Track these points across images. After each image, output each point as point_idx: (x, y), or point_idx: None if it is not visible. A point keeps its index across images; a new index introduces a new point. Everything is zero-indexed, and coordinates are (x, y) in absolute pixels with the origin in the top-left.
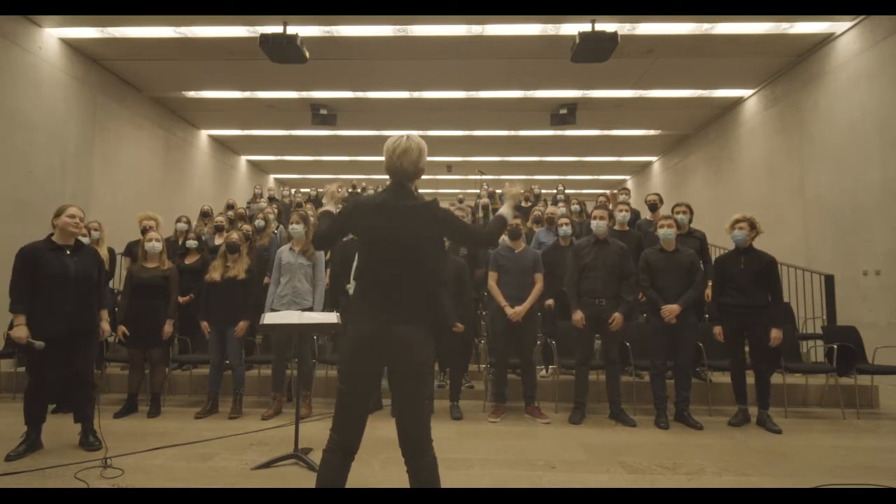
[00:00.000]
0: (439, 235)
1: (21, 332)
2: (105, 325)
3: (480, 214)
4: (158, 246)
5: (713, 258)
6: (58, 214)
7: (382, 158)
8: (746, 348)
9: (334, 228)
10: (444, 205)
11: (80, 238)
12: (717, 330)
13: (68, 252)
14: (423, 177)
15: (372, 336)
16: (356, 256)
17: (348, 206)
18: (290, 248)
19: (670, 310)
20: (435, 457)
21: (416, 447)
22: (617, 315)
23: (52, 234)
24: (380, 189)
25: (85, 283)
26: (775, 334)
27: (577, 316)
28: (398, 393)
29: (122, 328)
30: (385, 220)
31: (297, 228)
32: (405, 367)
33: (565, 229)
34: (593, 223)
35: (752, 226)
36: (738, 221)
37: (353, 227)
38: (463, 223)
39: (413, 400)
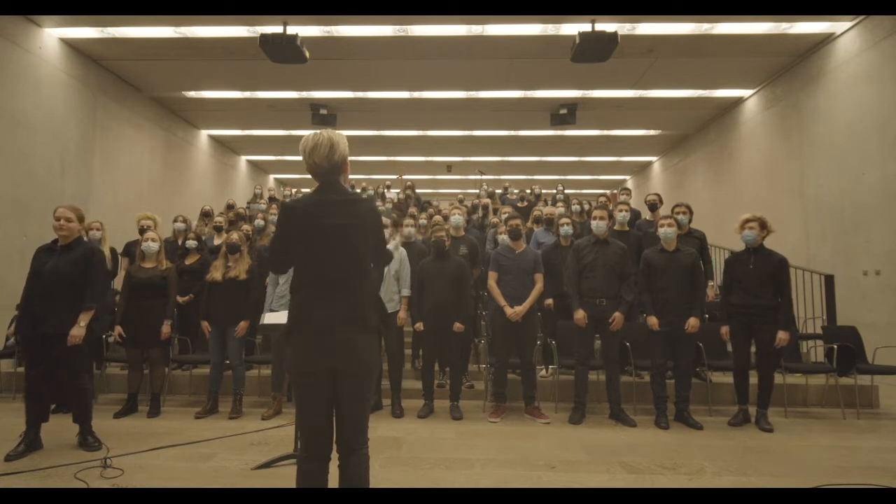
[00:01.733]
0: (369, 230)
1: (10, 330)
2: (75, 331)
3: (480, 214)
4: (155, 246)
5: (713, 258)
6: None
7: (382, 158)
8: (752, 349)
9: (278, 246)
10: (443, 205)
11: (92, 234)
12: (724, 330)
13: (58, 252)
14: (424, 176)
15: (319, 339)
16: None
17: (279, 215)
18: None
19: (693, 325)
20: (368, 455)
21: (353, 443)
22: (617, 315)
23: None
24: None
25: (56, 284)
26: (782, 336)
27: (579, 315)
28: (342, 389)
29: (118, 329)
30: (317, 217)
31: None
32: (353, 366)
33: (566, 229)
34: (593, 223)
35: (763, 225)
36: (748, 221)
37: (290, 231)
38: (383, 238)
39: (357, 397)
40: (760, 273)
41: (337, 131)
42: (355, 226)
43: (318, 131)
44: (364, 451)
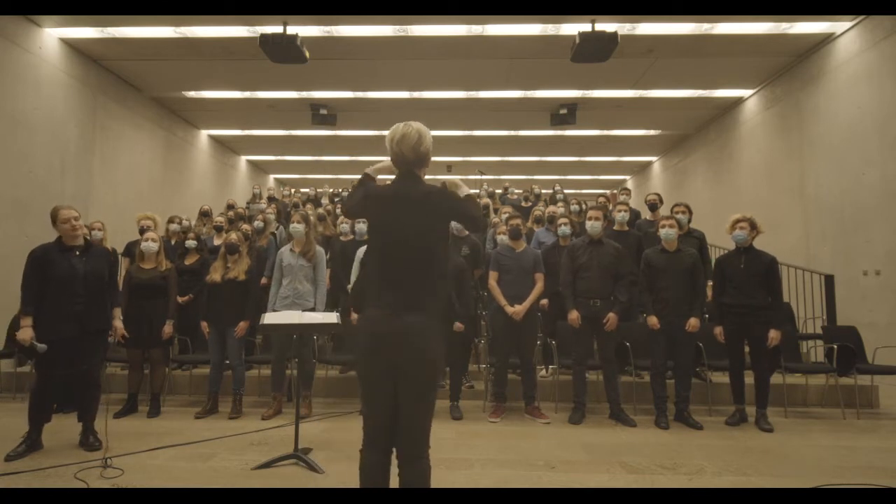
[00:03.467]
0: (448, 223)
1: (26, 335)
2: (118, 324)
3: (482, 214)
4: (154, 246)
5: (713, 258)
6: (53, 220)
7: (383, 158)
8: (746, 349)
9: (354, 198)
10: None
11: (89, 237)
12: (718, 330)
13: (77, 253)
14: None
15: (384, 331)
16: (356, 258)
17: (360, 193)
18: (291, 250)
19: (694, 325)
20: (429, 464)
21: (413, 451)
22: (611, 315)
23: (60, 237)
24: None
25: (95, 283)
26: (773, 335)
27: (573, 315)
28: (405, 390)
29: (122, 330)
30: (393, 209)
31: (297, 228)
32: (416, 362)
33: (564, 229)
34: (588, 223)
35: (753, 226)
36: (738, 221)
37: (364, 214)
38: (469, 206)
39: (419, 400)
40: (751, 273)
41: (423, 125)
42: (427, 216)
43: (406, 123)
44: (424, 462)
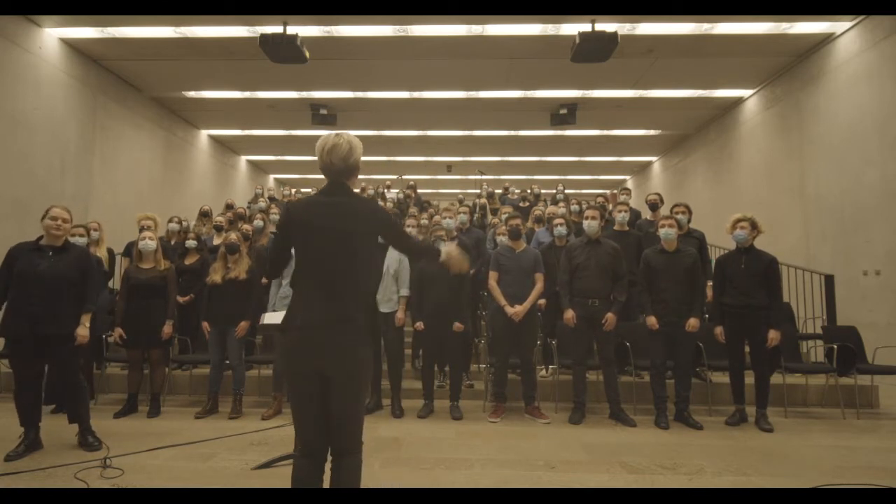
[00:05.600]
0: (376, 232)
1: None
2: (81, 331)
3: (479, 214)
4: (152, 245)
5: (713, 258)
6: (44, 216)
7: (382, 158)
8: (747, 349)
9: (277, 248)
10: (443, 205)
11: (75, 240)
12: (718, 331)
13: (50, 253)
14: (424, 177)
15: (306, 339)
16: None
17: (281, 216)
18: None
19: (693, 325)
20: (360, 460)
21: (343, 447)
22: (610, 315)
23: (41, 235)
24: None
25: (56, 285)
26: (773, 335)
27: (569, 315)
28: (331, 391)
29: (118, 330)
30: (318, 216)
31: None
32: (339, 369)
33: (560, 229)
34: (585, 223)
35: (754, 225)
36: (739, 221)
37: (289, 231)
38: (402, 230)
39: (346, 400)
40: (752, 273)
41: (356, 136)
42: (355, 227)
43: (337, 133)
44: (356, 456)
